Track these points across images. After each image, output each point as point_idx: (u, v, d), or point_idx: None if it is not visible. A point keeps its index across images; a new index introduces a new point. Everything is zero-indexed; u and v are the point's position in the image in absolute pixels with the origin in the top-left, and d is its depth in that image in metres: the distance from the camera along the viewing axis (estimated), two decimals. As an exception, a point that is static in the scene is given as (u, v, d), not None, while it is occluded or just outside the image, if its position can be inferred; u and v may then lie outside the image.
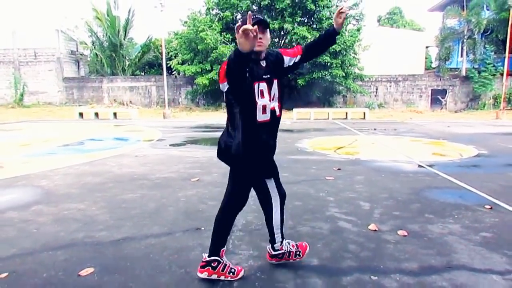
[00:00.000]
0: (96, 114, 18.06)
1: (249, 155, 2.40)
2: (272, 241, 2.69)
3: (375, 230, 3.33)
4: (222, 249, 2.50)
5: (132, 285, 2.42)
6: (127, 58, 28.61)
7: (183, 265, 2.68)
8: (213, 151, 7.95)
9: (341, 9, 2.36)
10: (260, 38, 2.25)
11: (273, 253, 2.69)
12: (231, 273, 2.49)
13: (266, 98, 2.35)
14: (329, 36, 2.44)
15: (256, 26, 1.94)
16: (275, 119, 2.44)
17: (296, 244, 2.73)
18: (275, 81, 2.40)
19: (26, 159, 7.03)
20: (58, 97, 27.16)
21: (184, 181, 5.20)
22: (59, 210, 3.93)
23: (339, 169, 5.95)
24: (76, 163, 6.54)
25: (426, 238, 3.15)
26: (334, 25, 2.40)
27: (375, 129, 12.56)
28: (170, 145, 8.95)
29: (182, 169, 5.99)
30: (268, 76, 2.36)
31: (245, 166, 2.45)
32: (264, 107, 2.35)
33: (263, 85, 2.34)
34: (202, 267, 2.48)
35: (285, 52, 2.51)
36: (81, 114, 18.10)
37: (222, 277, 2.48)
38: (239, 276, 2.50)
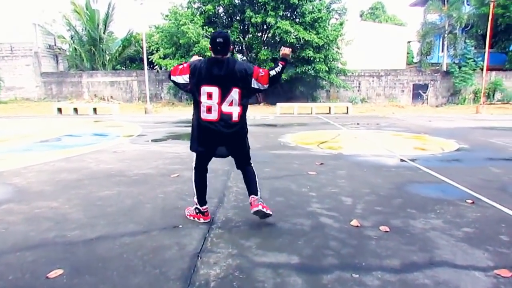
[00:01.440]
0: (75, 110, 17.61)
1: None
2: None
3: (357, 226, 3.27)
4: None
5: (102, 287, 2.30)
6: (107, 52, 28.04)
7: (158, 265, 2.56)
8: (194, 146, 7.88)
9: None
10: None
11: None
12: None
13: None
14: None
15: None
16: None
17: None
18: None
19: (0, 155, 6.77)
20: (36, 92, 26.42)
21: (163, 177, 5.06)
22: (30, 209, 3.75)
23: (321, 163, 5.90)
24: (52, 159, 6.31)
25: (408, 234, 3.10)
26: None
27: (357, 124, 12.60)
28: (151, 140, 8.76)
29: (161, 165, 5.84)
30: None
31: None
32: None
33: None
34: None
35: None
36: (59, 110, 17.62)
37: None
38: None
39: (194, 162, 3.40)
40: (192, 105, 3.18)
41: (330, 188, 4.51)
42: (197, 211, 3.40)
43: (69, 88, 26.31)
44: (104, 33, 27.23)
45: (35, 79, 26.41)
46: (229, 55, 3.06)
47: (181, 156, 6.56)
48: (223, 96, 2.99)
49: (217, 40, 2.98)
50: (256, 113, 17.71)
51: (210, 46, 3.08)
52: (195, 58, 3.25)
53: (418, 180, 4.91)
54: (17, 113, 18.24)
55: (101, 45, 27.04)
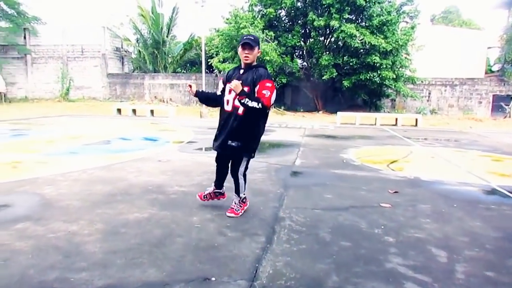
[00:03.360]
0: (134, 111, 17.74)
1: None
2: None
3: (464, 303, 2.25)
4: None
5: None
6: (169, 55, 28.49)
7: None
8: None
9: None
10: (247, 53, 3.45)
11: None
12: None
13: (231, 96, 3.50)
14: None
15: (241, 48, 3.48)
16: (235, 111, 3.50)
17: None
18: (246, 88, 3.36)
19: (44, 158, 6.47)
20: (102, 92, 27.47)
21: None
22: (45, 232, 3.16)
23: (396, 192, 4.83)
24: (93, 166, 5.86)
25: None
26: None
27: (431, 139, 11.12)
28: (200, 148, 8.16)
29: (206, 180, 5.12)
30: (241, 81, 3.35)
31: None
32: (227, 101, 3.57)
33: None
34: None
35: (262, 84, 3.37)
36: (119, 110, 17.87)
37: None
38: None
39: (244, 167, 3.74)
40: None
41: (413, 231, 3.46)
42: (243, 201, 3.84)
43: (132, 89, 27.03)
44: (167, 36, 27.69)
45: (101, 79, 27.47)
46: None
47: (229, 170, 5.79)
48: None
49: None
50: (314, 122, 16.66)
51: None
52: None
53: (532, 226, 3.70)
54: (81, 112, 18.81)
55: (163, 48, 27.51)
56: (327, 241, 3.19)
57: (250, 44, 3.40)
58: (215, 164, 3.90)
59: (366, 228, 3.50)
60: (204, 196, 3.99)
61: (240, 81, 3.31)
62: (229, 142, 3.52)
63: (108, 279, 2.43)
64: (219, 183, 3.96)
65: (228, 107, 3.53)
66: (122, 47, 29.66)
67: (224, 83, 3.63)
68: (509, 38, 22.24)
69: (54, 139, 8.84)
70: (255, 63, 3.53)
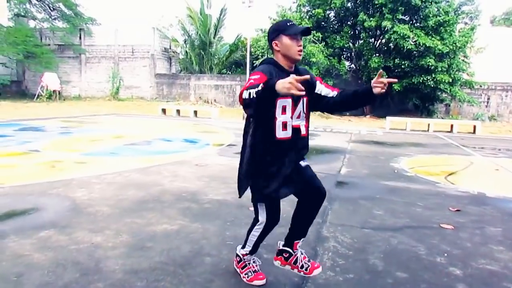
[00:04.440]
0: (178, 111, 17.84)
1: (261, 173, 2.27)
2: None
3: None
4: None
5: None
6: (215, 56, 28.65)
7: None
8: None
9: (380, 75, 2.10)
10: (301, 45, 2.21)
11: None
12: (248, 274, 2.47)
13: (287, 115, 2.19)
14: (365, 95, 2.22)
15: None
16: (298, 138, 2.26)
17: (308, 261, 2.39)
18: (304, 99, 2.24)
19: (83, 158, 6.44)
20: (150, 92, 28.11)
21: (240, 209, 3.96)
22: (68, 243, 2.95)
23: (458, 210, 4.22)
24: (129, 168, 5.71)
25: None
26: (373, 90, 2.13)
27: (492, 149, 10.11)
28: (239, 153, 7.83)
29: (243, 189, 4.77)
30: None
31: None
32: (284, 124, 2.20)
33: (287, 101, 2.16)
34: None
35: (319, 79, 2.40)
36: (163, 110, 18.06)
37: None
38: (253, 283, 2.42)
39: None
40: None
41: (484, 261, 2.90)
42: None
43: (178, 90, 27.42)
44: (214, 37, 27.85)
45: (149, 79, 28.12)
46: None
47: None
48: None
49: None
50: (362, 127, 15.89)
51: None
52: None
53: None
54: (129, 111, 19.25)
55: (210, 49, 27.69)
56: (379, 270, 2.72)
57: (308, 32, 2.26)
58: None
59: (425, 255, 2.98)
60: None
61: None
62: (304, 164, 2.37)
63: (124, 305, 2.13)
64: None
65: (287, 132, 2.21)
66: (170, 48, 30.25)
67: (269, 93, 1.85)
68: None
69: (97, 138, 8.90)
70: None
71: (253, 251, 2.49)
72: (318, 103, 2.36)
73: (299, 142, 2.28)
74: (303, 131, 2.29)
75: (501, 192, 5.12)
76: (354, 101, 2.29)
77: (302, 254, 2.40)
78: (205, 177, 5.30)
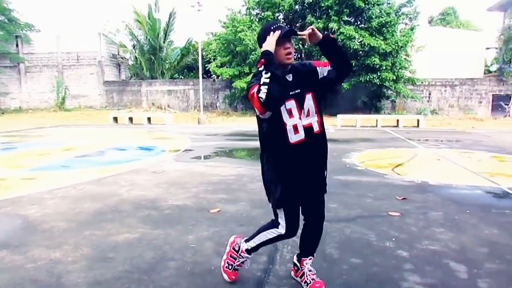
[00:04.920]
0: (130, 119, 17.46)
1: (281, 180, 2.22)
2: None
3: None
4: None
5: None
6: (166, 61, 28.25)
7: None
8: (244, 166, 6.77)
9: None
10: (289, 48, 2.15)
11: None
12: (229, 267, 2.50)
13: (295, 117, 2.16)
14: (323, 49, 2.26)
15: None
16: (312, 137, 2.20)
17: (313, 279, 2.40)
18: (308, 95, 2.20)
19: (31, 174, 6.16)
20: (99, 100, 27.19)
21: (201, 212, 4.02)
22: (24, 261, 2.87)
23: (404, 198, 4.55)
24: (83, 180, 5.57)
25: None
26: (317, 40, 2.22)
27: (435, 141, 10.85)
28: (196, 157, 7.86)
29: (202, 192, 4.83)
30: (298, 91, 2.19)
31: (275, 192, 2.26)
32: (295, 127, 2.16)
33: (291, 103, 2.16)
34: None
35: (317, 62, 2.31)
36: (115, 119, 17.57)
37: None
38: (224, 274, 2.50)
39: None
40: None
41: (427, 243, 3.18)
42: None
43: (129, 97, 26.75)
44: (164, 42, 27.46)
45: (98, 87, 27.19)
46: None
47: (227, 180, 5.52)
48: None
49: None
50: (315, 125, 16.36)
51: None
52: None
53: (555, 234, 3.42)
54: (77, 121, 18.53)
55: (160, 54, 27.28)
56: (335, 258, 2.91)
57: (295, 33, 2.22)
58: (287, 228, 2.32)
59: (376, 241, 3.22)
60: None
61: (298, 91, 2.18)
62: (322, 174, 2.34)
63: (90, 316, 2.14)
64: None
65: (300, 135, 2.17)
66: (118, 54, 29.44)
67: (274, 103, 2.04)
68: (506, 39, 22.01)
69: (45, 151, 8.52)
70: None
71: (253, 250, 2.48)
72: (330, 86, 2.34)
73: (315, 142, 2.21)
74: (316, 128, 2.22)
75: (442, 180, 5.56)
76: (332, 58, 2.25)
77: (310, 270, 2.43)
78: (163, 184, 5.30)
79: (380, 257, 2.92)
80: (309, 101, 2.20)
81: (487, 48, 28.05)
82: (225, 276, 2.49)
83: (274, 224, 2.33)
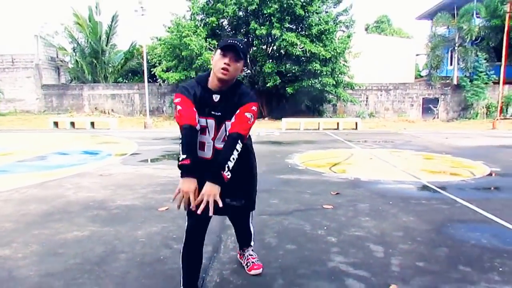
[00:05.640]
0: (72, 124, 16.89)
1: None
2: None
3: (399, 295, 2.41)
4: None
5: None
6: (109, 65, 27.53)
7: None
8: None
9: None
10: (228, 65, 2.03)
11: None
12: None
13: (208, 136, 2.17)
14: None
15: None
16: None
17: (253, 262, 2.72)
18: (228, 123, 2.12)
19: (-31, 179, 5.96)
20: (37, 104, 25.86)
21: (149, 211, 4.22)
22: (-28, 260, 2.92)
23: (337, 193, 5.04)
24: (26, 184, 5.49)
25: (473, 311, 2.23)
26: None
27: (370, 141, 11.73)
28: (143, 160, 7.94)
29: (150, 193, 5.01)
30: (219, 114, 2.13)
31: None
32: (202, 144, 2.17)
33: (210, 122, 2.14)
34: None
35: (246, 107, 2.11)
36: (55, 124, 16.91)
37: None
38: None
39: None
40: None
41: (353, 230, 3.64)
42: None
43: (69, 101, 25.72)
44: (106, 45, 26.76)
45: (35, 91, 25.88)
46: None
47: (174, 181, 5.72)
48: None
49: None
50: (260, 129, 16.90)
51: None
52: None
53: (458, 217, 4.04)
54: (13, 127, 17.57)
55: (103, 58, 26.55)
56: (273, 245, 3.26)
57: (237, 50, 2.05)
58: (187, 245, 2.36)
59: (310, 230, 3.62)
60: None
61: (219, 114, 2.15)
62: (227, 201, 2.22)
63: (45, 304, 2.30)
64: (193, 278, 2.41)
65: (206, 153, 2.21)
66: (57, 57, 28.18)
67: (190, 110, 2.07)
68: (433, 46, 24.09)
69: (-19, 157, 8.17)
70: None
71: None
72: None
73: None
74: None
75: (372, 177, 6.17)
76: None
77: (251, 255, 2.76)
78: (111, 186, 5.39)
79: (312, 243, 3.31)
80: (225, 129, 2.17)
81: (417, 55, 30.47)
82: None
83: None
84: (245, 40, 20.94)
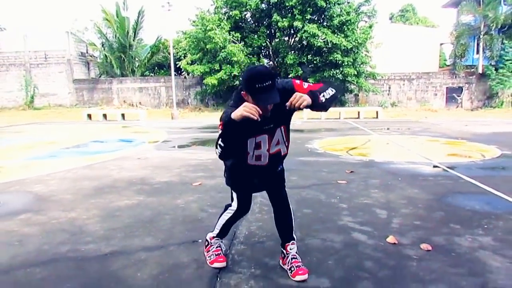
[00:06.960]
0: (104, 116, 17.90)
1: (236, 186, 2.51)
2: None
3: (394, 243, 2.93)
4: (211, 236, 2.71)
5: (111, 313, 2.08)
6: (136, 59, 28.51)
7: (173, 287, 2.33)
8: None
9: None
10: (268, 109, 2.07)
11: None
12: (211, 257, 2.62)
13: (263, 149, 2.25)
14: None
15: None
16: (275, 157, 2.36)
17: (298, 266, 2.45)
18: (281, 128, 2.26)
19: (26, 162, 6.79)
20: (69, 98, 27.14)
21: (185, 185, 4.86)
22: (48, 219, 3.62)
23: (352, 171, 5.55)
24: (75, 166, 6.26)
25: (454, 254, 2.74)
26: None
27: (388, 129, 12.08)
28: (175, 146, 8.64)
29: (184, 172, 5.66)
30: (271, 125, 2.21)
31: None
32: (258, 156, 2.28)
33: (263, 138, 2.21)
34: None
35: (297, 85, 2.16)
36: (89, 116, 17.97)
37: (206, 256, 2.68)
38: (213, 265, 2.57)
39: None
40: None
41: (362, 199, 4.17)
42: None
43: (99, 95, 26.87)
44: (133, 40, 27.69)
45: (67, 85, 27.13)
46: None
47: (204, 163, 6.36)
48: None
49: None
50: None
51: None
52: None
53: (459, 190, 4.49)
54: (50, 119, 18.73)
55: (130, 52, 27.50)
56: (293, 209, 3.80)
57: (272, 84, 1.98)
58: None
59: (324, 199, 4.18)
60: None
61: (271, 125, 2.21)
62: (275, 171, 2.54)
63: (113, 247, 2.95)
64: (227, 231, 2.76)
65: (262, 161, 2.33)
66: (87, 52, 29.39)
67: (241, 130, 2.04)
68: (458, 35, 23.83)
69: (30, 145, 9.06)
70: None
71: (220, 235, 2.70)
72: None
73: (275, 160, 2.40)
74: (283, 151, 2.40)
75: (386, 158, 6.63)
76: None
77: (294, 258, 2.48)
78: (149, 167, 6.08)
79: (326, 208, 3.87)
80: (279, 133, 2.26)
81: (442, 44, 30.07)
82: (216, 265, 2.56)
83: (227, 206, 2.65)
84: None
